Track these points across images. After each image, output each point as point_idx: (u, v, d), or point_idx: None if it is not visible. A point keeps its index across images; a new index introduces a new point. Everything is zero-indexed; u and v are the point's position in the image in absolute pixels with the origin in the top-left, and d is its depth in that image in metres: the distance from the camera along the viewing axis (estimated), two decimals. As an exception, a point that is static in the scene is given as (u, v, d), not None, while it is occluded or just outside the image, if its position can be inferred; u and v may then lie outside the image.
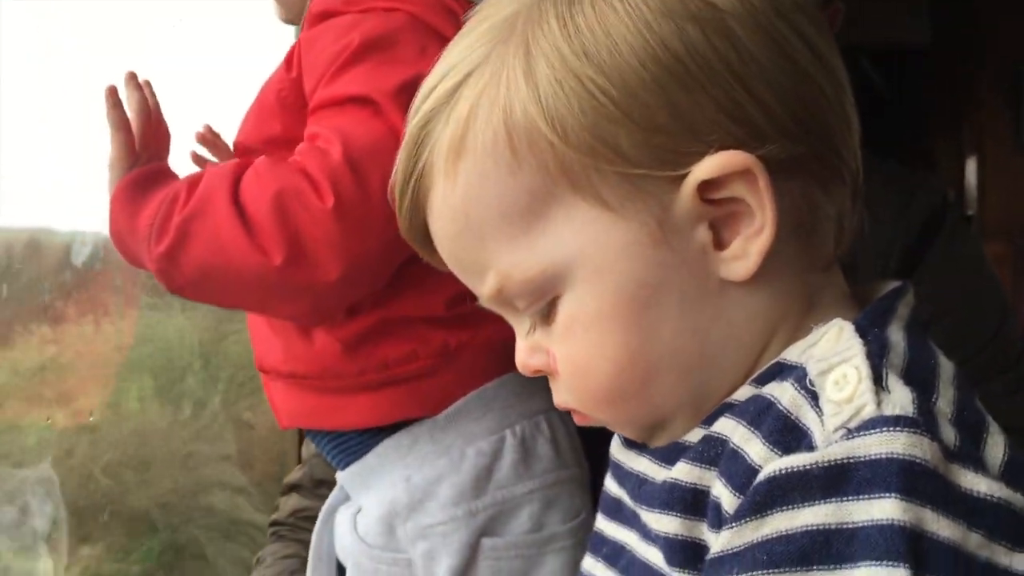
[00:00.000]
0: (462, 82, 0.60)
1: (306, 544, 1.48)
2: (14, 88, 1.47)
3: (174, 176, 1.06)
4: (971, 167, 4.00)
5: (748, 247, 0.57)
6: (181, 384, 2.01)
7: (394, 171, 0.66)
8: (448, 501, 1.05)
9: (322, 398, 1.08)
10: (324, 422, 1.11)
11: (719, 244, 0.58)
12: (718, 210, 0.57)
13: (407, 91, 0.95)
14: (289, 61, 1.10)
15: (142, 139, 1.07)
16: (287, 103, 1.09)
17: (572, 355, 0.61)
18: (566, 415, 1.13)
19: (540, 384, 1.14)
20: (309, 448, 1.61)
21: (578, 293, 0.59)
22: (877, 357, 0.52)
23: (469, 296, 0.67)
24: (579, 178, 0.57)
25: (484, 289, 0.63)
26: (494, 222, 0.59)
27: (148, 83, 1.11)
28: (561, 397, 0.66)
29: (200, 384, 2.03)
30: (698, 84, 0.55)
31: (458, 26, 1.02)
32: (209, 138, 1.28)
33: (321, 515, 1.19)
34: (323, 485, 1.54)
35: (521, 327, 0.66)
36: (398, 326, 1.05)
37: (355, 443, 1.11)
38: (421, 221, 0.64)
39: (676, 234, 0.57)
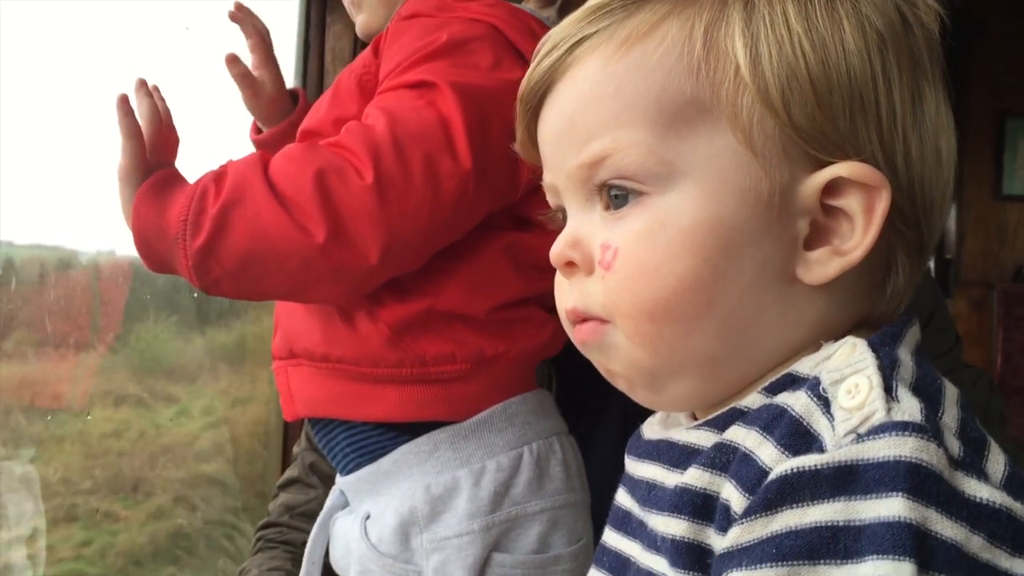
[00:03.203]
0: None
1: (294, 546, 1.49)
2: (17, 95, 1.46)
3: (187, 179, 1.05)
4: (951, 213, 4.07)
5: (831, 259, 0.60)
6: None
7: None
8: (466, 514, 1.05)
9: (351, 385, 1.08)
10: (347, 411, 1.10)
11: (807, 244, 0.61)
12: (825, 214, 0.60)
13: (469, 93, 1.01)
14: (376, 47, 1.12)
15: (153, 146, 1.06)
16: (367, 87, 1.10)
17: (641, 255, 0.61)
18: (573, 440, 1.17)
19: (553, 407, 1.17)
20: (300, 444, 1.61)
21: (678, 201, 0.61)
22: (888, 370, 0.55)
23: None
24: (743, 113, 0.60)
25: (581, 155, 0.64)
26: (644, 102, 0.61)
27: (157, 89, 1.10)
28: (585, 298, 0.65)
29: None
30: (878, 108, 0.60)
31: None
32: (241, 15, 1.30)
33: (319, 521, 1.18)
34: (316, 474, 1.54)
35: (578, 215, 0.66)
36: (442, 321, 1.06)
37: (372, 441, 1.10)
38: (545, 83, 0.66)
39: (786, 210, 0.60)
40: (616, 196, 0.63)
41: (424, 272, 1.05)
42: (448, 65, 1.03)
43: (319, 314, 1.09)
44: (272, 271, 0.99)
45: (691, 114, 0.61)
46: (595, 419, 1.30)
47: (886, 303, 0.65)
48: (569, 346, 0.72)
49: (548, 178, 0.69)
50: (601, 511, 0.74)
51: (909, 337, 0.61)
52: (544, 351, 1.13)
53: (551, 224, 0.71)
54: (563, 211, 0.69)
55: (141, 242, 1.01)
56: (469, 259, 1.07)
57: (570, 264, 0.66)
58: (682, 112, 0.61)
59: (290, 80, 2.17)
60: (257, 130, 1.36)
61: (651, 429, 0.72)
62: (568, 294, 0.67)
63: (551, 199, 0.70)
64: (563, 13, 1.22)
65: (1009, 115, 4.21)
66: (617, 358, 0.65)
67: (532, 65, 0.67)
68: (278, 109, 1.33)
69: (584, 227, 0.65)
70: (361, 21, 1.25)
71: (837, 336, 0.61)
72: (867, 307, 0.64)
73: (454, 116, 1.00)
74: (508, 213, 1.10)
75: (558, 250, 0.67)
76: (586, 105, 0.64)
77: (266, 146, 1.31)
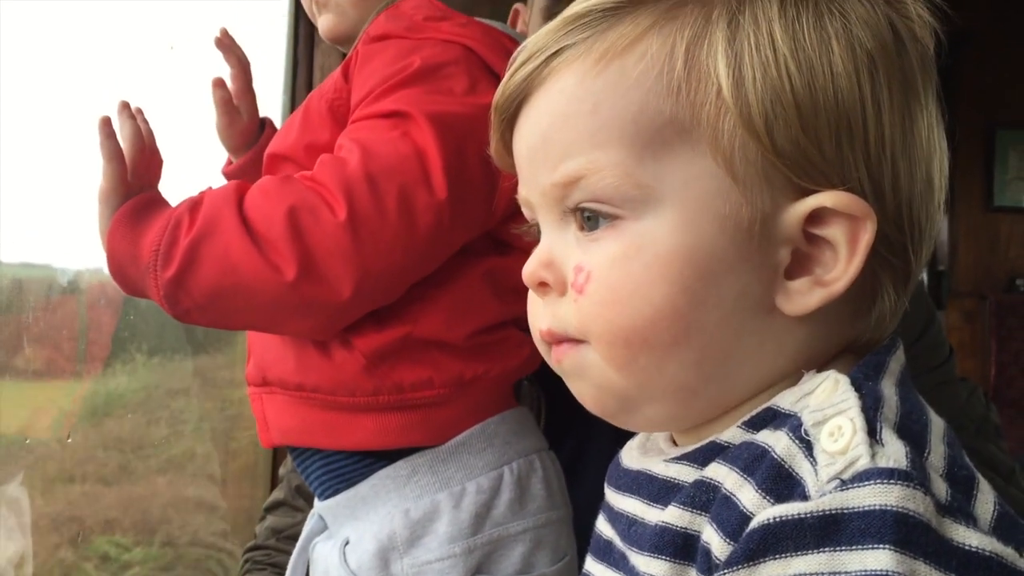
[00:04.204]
0: (637, 2, 0.61)
1: (281, 569, 1.47)
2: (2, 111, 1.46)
3: (168, 203, 1.05)
4: (943, 225, 4.08)
5: (813, 290, 0.59)
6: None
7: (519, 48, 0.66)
8: (447, 538, 1.04)
9: (326, 414, 1.06)
10: (324, 440, 1.09)
11: (788, 273, 0.59)
12: (807, 243, 0.59)
13: (445, 122, 0.99)
14: (345, 71, 1.10)
15: (135, 169, 1.05)
16: (339, 113, 1.08)
17: (616, 281, 0.60)
18: (554, 455, 1.17)
19: (532, 424, 1.17)
20: (286, 465, 1.60)
21: (655, 227, 0.59)
22: (872, 411, 0.53)
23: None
24: (724, 137, 0.58)
25: (555, 175, 0.62)
26: (622, 122, 0.59)
27: (140, 111, 1.09)
28: (559, 320, 0.64)
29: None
30: (866, 133, 0.58)
31: None
32: (226, 43, 1.29)
33: (298, 546, 1.17)
34: (302, 496, 1.53)
35: (552, 234, 0.65)
36: (419, 348, 1.05)
37: (348, 468, 1.09)
38: (521, 93, 0.64)
39: (767, 239, 0.58)
40: (589, 218, 0.61)
41: (401, 300, 1.04)
42: (422, 93, 1.02)
43: (293, 342, 1.08)
44: (242, 306, 0.99)
45: (670, 136, 0.59)
46: (586, 435, 1.29)
47: (871, 331, 0.63)
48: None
49: (523, 192, 0.68)
50: (590, 528, 0.73)
51: (893, 365, 0.60)
52: (522, 370, 1.13)
53: (527, 237, 0.70)
54: (538, 225, 0.67)
55: (115, 267, 1.02)
56: (448, 286, 1.06)
57: (543, 284, 0.65)
58: (660, 134, 0.59)
59: (278, 96, 2.18)
60: (229, 162, 1.36)
61: (629, 456, 0.71)
62: (541, 315, 0.66)
63: (526, 212, 0.69)
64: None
65: (998, 126, 4.23)
66: (591, 378, 0.64)
67: (507, 74, 0.66)
68: (248, 138, 1.33)
69: (558, 246, 0.64)
70: (327, 23, 1.20)
71: (820, 365, 0.60)
72: (851, 335, 0.63)
73: (430, 147, 0.98)
74: (487, 237, 1.09)
75: (531, 270, 0.65)
76: (562, 122, 0.62)
77: (233, 177, 1.32)
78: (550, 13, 1.00)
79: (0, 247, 1.53)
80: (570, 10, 0.63)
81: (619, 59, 0.60)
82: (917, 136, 0.61)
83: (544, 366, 0.69)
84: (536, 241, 0.67)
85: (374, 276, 0.98)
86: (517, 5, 1.34)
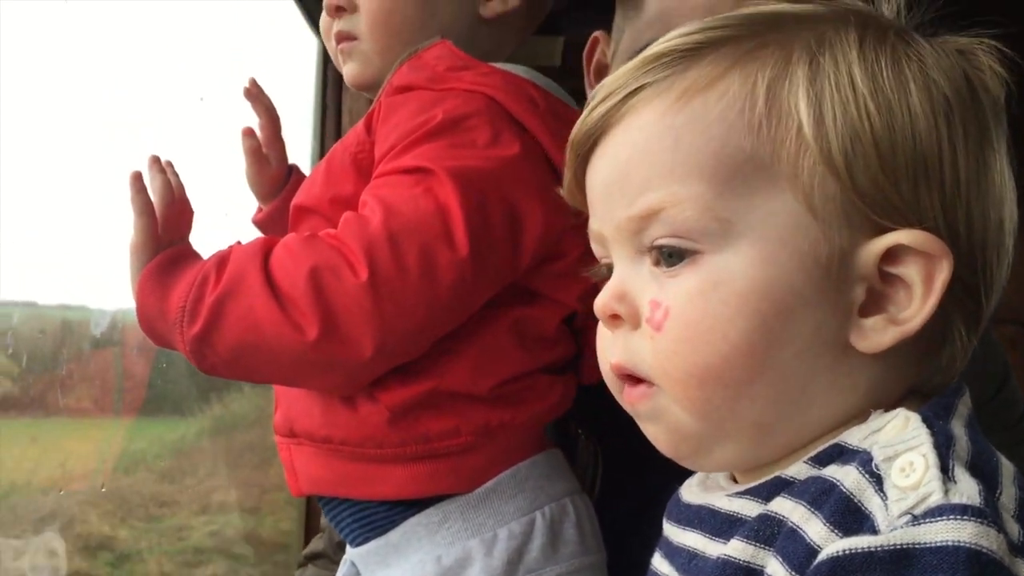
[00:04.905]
0: (717, 44, 0.62)
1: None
2: (31, 164, 1.49)
3: (198, 256, 1.06)
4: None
5: (887, 328, 0.59)
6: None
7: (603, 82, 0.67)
8: None
9: (355, 466, 1.06)
10: (354, 491, 1.08)
11: (863, 310, 0.59)
12: (882, 281, 0.59)
13: (467, 177, 1.00)
14: (368, 124, 1.10)
15: (165, 222, 1.07)
16: (362, 165, 1.09)
17: (693, 317, 0.60)
18: (587, 498, 1.15)
19: (564, 466, 1.17)
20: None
21: (734, 261, 0.59)
22: (944, 448, 0.53)
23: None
24: (804, 174, 0.59)
25: (633, 208, 0.62)
26: (702, 156, 0.60)
27: (171, 164, 1.11)
28: (631, 354, 0.64)
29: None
30: (942, 175, 0.59)
31: (538, 115, 1.04)
32: (255, 92, 1.31)
33: None
34: (343, 551, 1.52)
35: (626, 267, 0.65)
36: (445, 400, 1.04)
37: (380, 517, 1.08)
38: (598, 130, 0.66)
39: (843, 276, 0.59)
40: (669, 255, 0.62)
41: (426, 354, 1.04)
42: (444, 147, 1.02)
43: (318, 395, 1.08)
44: (266, 362, 1.00)
45: (750, 172, 0.60)
46: (626, 472, 1.28)
47: (940, 373, 0.63)
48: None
49: (595, 226, 0.68)
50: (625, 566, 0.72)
51: (961, 408, 0.60)
52: (552, 413, 1.12)
53: (596, 278, 0.70)
54: (608, 265, 0.68)
55: (144, 320, 1.03)
56: (473, 338, 1.05)
57: (615, 317, 0.65)
58: (741, 169, 0.60)
59: (308, 140, 2.21)
60: (259, 210, 1.37)
61: (690, 492, 0.71)
62: (611, 347, 0.66)
63: (596, 248, 0.70)
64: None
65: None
66: (664, 422, 0.64)
67: (585, 111, 0.67)
68: (277, 185, 1.35)
69: (632, 280, 0.64)
70: (352, 70, 1.20)
71: (888, 405, 0.60)
72: (920, 375, 0.63)
73: (452, 204, 0.98)
74: (513, 287, 1.08)
75: (603, 302, 0.66)
76: (641, 156, 0.63)
77: (263, 225, 1.34)
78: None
79: (39, 289, 1.56)
80: (649, 51, 0.65)
81: (700, 96, 0.61)
82: (991, 180, 0.61)
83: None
84: (603, 281, 0.68)
85: (396, 335, 0.98)
86: (597, 33, 1.33)
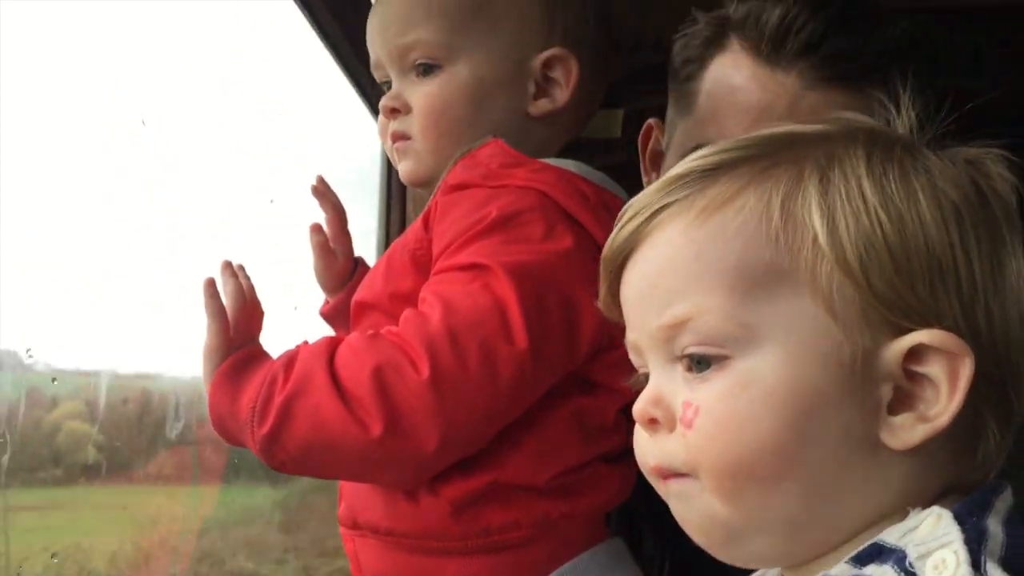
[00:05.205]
0: (733, 164, 0.66)
1: None
2: (110, 267, 1.55)
3: (268, 357, 1.10)
4: None
5: (916, 425, 0.60)
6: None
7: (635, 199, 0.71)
8: None
9: (417, 558, 1.08)
10: None
11: (891, 408, 0.61)
12: (908, 380, 0.61)
13: (524, 271, 1.02)
14: (426, 221, 1.14)
15: (237, 324, 1.11)
16: (421, 262, 1.12)
17: (723, 414, 0.63)
18: None
19: (627, 557, 1.16)
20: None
21: (761, 364, 0.62)
22: (975, 543, 0.55)
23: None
24: (822, 280, 0.62)
25: (663, 318, 0.66)
26: (725, 267, 0.64)
27: (242, 268, 1.16)
28: (668, 455, 0.66)
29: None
30: (958, 277, 0.62)
31: (589, 210, 1.07)
32: (322, 190, 1.36)
33: None
34: None
35: (660, 373, 0.68)
36: (505, 493, 1.06)
37: None
38: (628, 247, 0.69)
39: (868, 376, 0.61)
40: (699, 362, 0.65)
41: (487, 446, 1.05)
42: (500, 243, 1.05)
43: (381, 488, 1.10)
44: (332, 460, 1.02)
45: (770, 280, 0.63)
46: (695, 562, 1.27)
47: (977, 469, 0.64)
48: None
49: (631, 337, 0.71)
50: None
51: (999, 504, 0.60)
52: (611, 503, 1.12)
53: (636, 386, 0.73)
54: (646, 375, 0.70)
55: (216, 420, 1.07)
56: (533, 429, 1.07)
57: (653, 421, 0.68)
58: (762, 278, 0.63)
59: (373, 229, 2.26)
60: (326, 303, 1.41)
61: None
62: (650, 451, 0.69)
63: (634, 358, 0.73)
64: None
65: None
66: (697, 508, 0.66)
67: (615, 230, 0.71)
68: (344, 279, 1.39)
69: (666, 385, 0.67)
70: (406, 168, 1.24)
71: (925, 503, 0.61)
72: (956, 474, 0.64)
73: (509, 299, 1.01)
74: (572, 377, 1.10)
75: (641, 407, 0.68)
76: (667, 268, 0.67)
77: (331, 317, 1.38)
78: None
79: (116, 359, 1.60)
80: (671, 172, 0.69)
81: (719, 212, 0.65)
82: (1007, 279, 0.63)
83: (667, 507, 0.71)
84: (642, 388, 0.70)
85: (459, 429, 1.00)
86: (651, 121, 1.38)
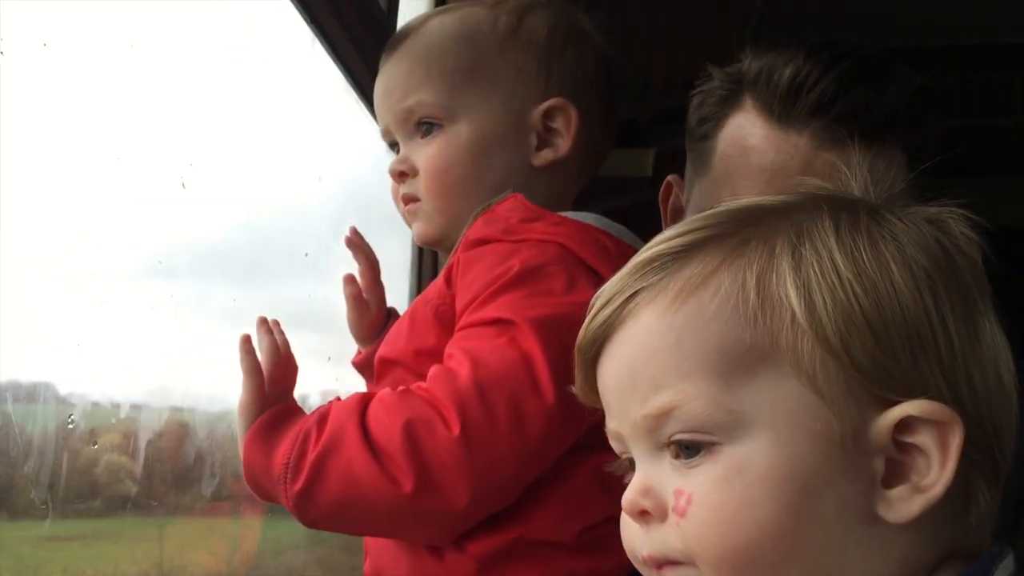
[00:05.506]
0: (702, 244, 0.66)
1: None
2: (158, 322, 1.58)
3: (301, 413, 1.11)
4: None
5: (913, 497, 0.60)
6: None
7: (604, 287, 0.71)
8: None
9: None
10: None
11: (886, 481, 0.61)
12: (899, 451, 0.61)
13: (549, 325, 1.03)
14: (448, 277, 1.15)
15: (271, 380, 1.12)
16: (444, 318, 1.13)
17: (717, 501, 0.62)
18: None
19: None
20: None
21: (752, 449, 0.61)
22: None
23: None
24: (805, 358, 0.62)
25: (646, 407, 0.65)
26: (705, 353, 0.63)
27: (277, 324, 1.17)
28: (661, 545, 0.65)
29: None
30: (936, 343, 0.62)
31: (609, 262, 1.06)
32: (356, 241, 1.38)
33: None
34: None
35: (647, 462, 0.67)
36: (531, 549, 1.05)
37: None
38: (603, 335, 0.69)
39: (860, 450, 0.61)
40: (687, 448, 0.64)
41: (514, 501, 1.05)
42: (523, 297, 1.06)
43: (406, 545, 1.11)
44: (364, 516, 1.03)
45: (752, 361, 0.63)
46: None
47: (971, 532, 0.64)
48: None
49: (612, 425, 0.71)
50: None
51: (1000, 572, 0.61)
52: None
53: (619, 472, 0.73)
54: (629, 459, 0.70)
55: (250, 476, 1.08)
56: (558, 485, 1.07)
57: (644, 513, 0.67)
58: (743, 360, 0.63)
59: (407, 279, 2.29)
60: (358, 353, 1.43)
61: None
62: (641, 541, 0.68)
63: (615, 445, 0.72)
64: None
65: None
66: None
67: (588, 318, 0.71)
68: (377, 329, 1.41)
69: (654, 474, 0.67)
70: (418, 230, 1.26)
71: (926, 571, 0.61)
72: (952, 539, 0.64)
73: (535, 353, 1.02)
74: (594, 431, 1.09)
75: (630, 498, 0.68)
76: (647, 356, 0.66)
77: (363, 367, 1.40)
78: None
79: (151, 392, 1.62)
80: (640, 256, 0.69)
81: (695, 295, 0.65)
82: (983, 342, 0.63)
83: None
84: (628, 475, 0.70)
85: (489, 485, 1.01)
86: (671, 178, 1.38)
